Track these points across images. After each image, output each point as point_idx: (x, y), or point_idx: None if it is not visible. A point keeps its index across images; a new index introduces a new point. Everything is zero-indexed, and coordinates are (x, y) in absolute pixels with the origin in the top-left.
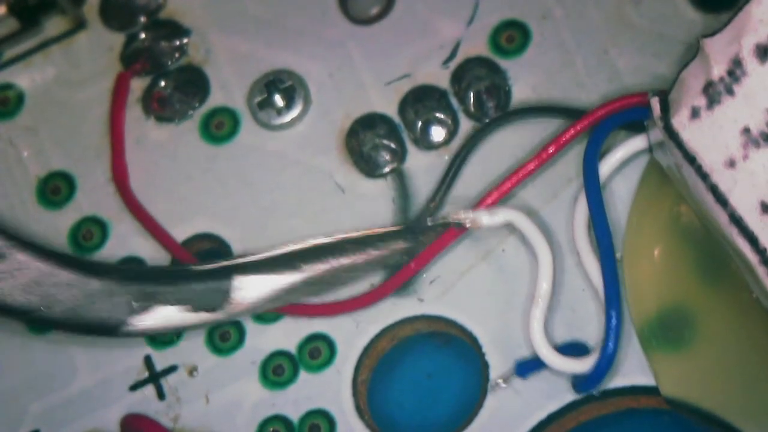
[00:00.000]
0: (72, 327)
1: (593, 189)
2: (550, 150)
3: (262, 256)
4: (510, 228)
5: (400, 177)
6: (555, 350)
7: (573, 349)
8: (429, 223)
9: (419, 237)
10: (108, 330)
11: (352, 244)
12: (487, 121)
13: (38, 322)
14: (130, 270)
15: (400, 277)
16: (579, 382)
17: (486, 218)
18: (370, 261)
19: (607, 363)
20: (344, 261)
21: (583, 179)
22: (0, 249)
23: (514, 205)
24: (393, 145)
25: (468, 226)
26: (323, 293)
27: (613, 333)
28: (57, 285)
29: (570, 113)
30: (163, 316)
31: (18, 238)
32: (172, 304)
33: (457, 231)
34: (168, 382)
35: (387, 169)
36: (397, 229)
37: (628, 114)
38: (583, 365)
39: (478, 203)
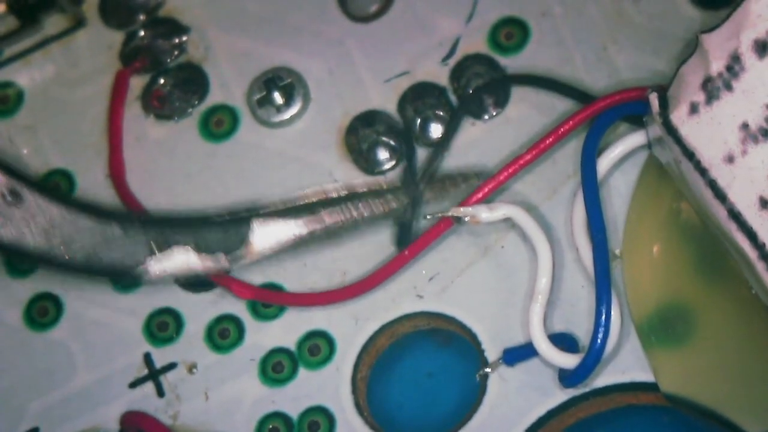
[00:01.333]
0: (91, 270)
1: (590, 181)
2: (548, 141)
3: (282, 206)
4: (509, 224)
5: (408, 137)
6: (552, 344)
7: (561, 339)
8: (428, 217)
9: (421, 192)
10: (127, 274)
11: (370, 194)
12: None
13: (57, 264)
14: (151, 216)
15: (394, 264)
16: (566, 376)
17: (485, 213)
18: (387, 211)
19: (594, 359)
20: (363, 209)
21: (581, 171)
22: (20, 192)
23: (513, 201)
24: (392, 142)
25: (467, 221)
26: (341, 241)
27: (601, 329)
28: (77, 228)
29: (567, 90)
30: (183, 260)
31: (38, 184)
32: (192, 249)
33: (450, 221)
34: (167, 380)
35: (386, 167)
36: (405, 184)
37: (628, 107)
38: (577, 360)
39: (474, 193)
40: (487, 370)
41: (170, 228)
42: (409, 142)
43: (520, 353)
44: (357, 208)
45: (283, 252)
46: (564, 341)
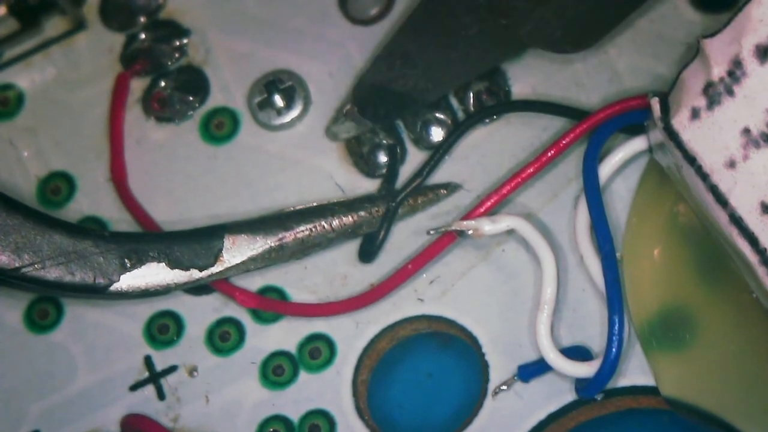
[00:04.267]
0: (63, 287)
1: (594, 195)
2: (550, 154)
3: (252, 218)
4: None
5: (392, 151)
6: (561, 354)
7: (576, 352)
8: (431, 233)
9: (395, 205)
10: (99, 289)
11: (340, 206)
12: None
13: (29, 280)
14: (121, 233)
15: (398, 277)
16: (582, 387)
17: (488, 226)
18: (357, 223)
19: (610, 368)
20: (333, 222)
21: (584, 185)
22: None
23: (514, 203)
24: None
25: (470, 234)
26: (311, 254)
27: (615, 339)
28: (49, 244)
29: (567, 112)
30: (155, 274)
31: (8, 198)
32: (163, 263)
33: (454, 235)
34: (168, 382)
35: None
36: (379, 194)
37: (628, 117)
38: (588, 369)
39: (476, 207)
40: (503, 387)
41: (142, 243)
42: (393, 155)
43: (534, 369)
44: (327, 221)
45: (255, 266)
46: (577, 353)
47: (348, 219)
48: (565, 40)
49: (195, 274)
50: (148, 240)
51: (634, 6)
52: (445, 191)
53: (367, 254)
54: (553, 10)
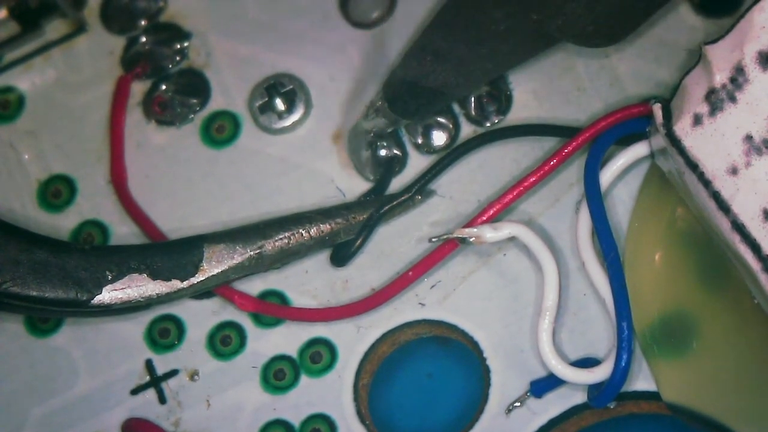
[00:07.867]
0: (45, 301)
1: (596, 204)
2: (552, 163)
3: (231, 228)
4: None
5: (389, 162)
6: (564, 361)
7: (583, 363)
8: (433, 240)
9: (378, 216)
10: (81, 303)
11: (317, 213)
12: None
13: (12, 297)
14: (102, 246)
15: (398, 284)
16: (594, 396)
17: (490, 234)
18: (334, 230)
19: (621, 376)
20: (311, 230)
21: (585, 193)
22: None
23: (515, 208)
24: (394, 150)
25: (472, 241)
26: (290, 262)
27: (625, 345)
28: (30, 260)
29: (562, 132)
30: (136, 286)
31: None
32: (144, 274)
33: (456, 243)
34: (169, 386)
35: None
36: (361, 201)
37: (629, 125)
38: (594, 375)
39: (479, 215)
40: (517, 404)
41: (123, 255)
42: (389, 169)
43: (546, 384)
44: (305, 229)
45: (236, 276)
46: (584, 364)
47: (326, 226)
48: (596, 34)
49: (176, 284)
50: (129, 252)
51: None
52: (419, 197)
53: (341, 258)
54: (583, 5)
